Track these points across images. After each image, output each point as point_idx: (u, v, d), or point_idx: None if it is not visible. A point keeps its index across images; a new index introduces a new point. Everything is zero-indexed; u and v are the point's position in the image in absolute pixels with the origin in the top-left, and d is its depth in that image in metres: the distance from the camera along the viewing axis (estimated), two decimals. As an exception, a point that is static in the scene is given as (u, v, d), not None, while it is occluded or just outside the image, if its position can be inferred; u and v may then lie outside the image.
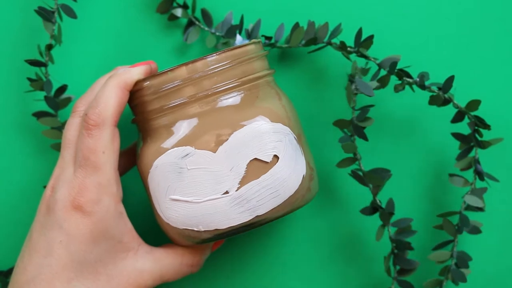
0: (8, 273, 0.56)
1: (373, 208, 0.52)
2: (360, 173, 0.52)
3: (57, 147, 0.55)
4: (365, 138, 0.51)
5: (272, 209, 0.46)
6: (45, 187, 0.54)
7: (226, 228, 0.46)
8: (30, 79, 0.54)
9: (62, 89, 0.55)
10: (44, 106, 0.55)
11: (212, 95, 0.46)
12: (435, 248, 0.53)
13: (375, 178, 0.51)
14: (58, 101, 0.54)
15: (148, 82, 0.47)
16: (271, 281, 0.56)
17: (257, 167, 0.46)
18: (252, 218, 0.46)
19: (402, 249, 0.52)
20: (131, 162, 0.53)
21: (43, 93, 0.55)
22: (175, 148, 0.46)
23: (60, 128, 0.55)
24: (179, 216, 0.47)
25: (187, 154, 0.46)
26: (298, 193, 0.47)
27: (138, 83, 0.47)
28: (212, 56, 0.46)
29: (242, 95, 0.47)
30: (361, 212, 0.52)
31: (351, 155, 0.52)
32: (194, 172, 0.46)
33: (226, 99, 0.46)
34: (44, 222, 0.47)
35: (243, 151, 0.45)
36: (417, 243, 0.55)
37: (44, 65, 0.54)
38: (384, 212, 0.52)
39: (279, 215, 0.47)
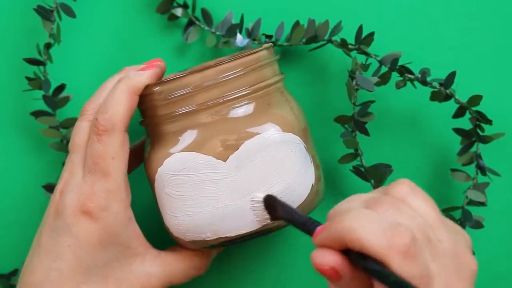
0: (10, 275, 0.55)
1: None
2: (362, 169, 0.52)
3: (56, 146, 0.54)
4: (366, 133, 0.51)
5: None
6: (43, 187, 0.55)
7: (235, 236, 0.46)
8: (28, 78, 0.54)
9: (61, 88, 0.54)
10: (42, 105, 0.54)
11: (223, 103, 0.45)
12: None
13: (376, 174, 0.52)
14: (57, 100, 0.54)
15: (158, 88, 0.46)
16: (270, 272, 0.56)
17: (266, 176, 0.45)
18: (261, 227, 0.46)
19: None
20: (138, 161, 0.52)
21: (42, 92, 0.54)
22: (183, 155, 0.46)
23: (58, 127, 0.54)
24: (186, 225, 0.47)
25: (196, 162, 0.45)
26: (307, 201, 0.47)
27: (147, 87, 0.47)
28: (224, 64, 0.46)
29: (254, 103, 0.46)
30: None
31: (352, 150, 0.53)
32: (203, 180, 0.45)
33: (238, 107, 0.46)
34: (53, 225, 0.47)
35: (254, 161, 0.45)
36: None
37: (42, 64, 0.53)
38: None
39: (285, 225, 0.47)
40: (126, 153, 0.47)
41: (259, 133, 0.45)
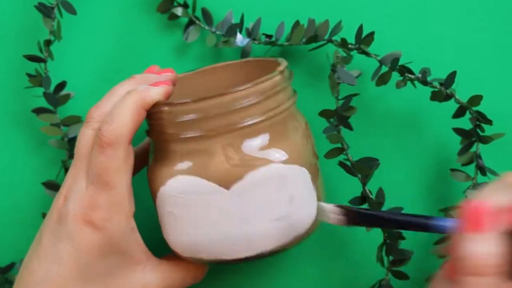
0: (5, 270, 0.56)
1: (362, 198, 0.53)
2: (348, 163, 0.52)
3: (56, 144, 0.54)
4: (349, 127, 0.51)
5: (279, 245, 0.46)
6: (43, 184, 0.55)
7: (231, 259, 0.46)
8: (29, 75, 0.54)
9: (61, 85, 0.54)
10: (43, 103, 0.55)
11: (234, 130, 0.45)
12: (436, 243, 0.53)
13: (362, 168, 0.52)
14: (57, 97, 0.54)
15: (167, 108, 0.46)
16: (261, 268, 0.57)
17: (269, 207, 0.45)
18: (258, 253, 0.46)
19: (393, 239, 0.52)
20: (142, 164, 0.52)
21: (43, 89, 0.54)
22: (187, 178, 0.45)
23: (59, 124, 0.54)
24: (184, 244, 0.47)
25: (199, 187, 0.45)
26: (306, 231, 0.47)
27: (157, 105, 0.46)
28: (238, 92, 0.45)
29: (263, 132, 0.46)
30: (350, 203, 0.52)
31: (339, 145, 0.52)
32: (205, 205, 0.45)
33: (247, 135, 0.45)
34: (55, 230, 0.46)
35: (256, 192, 0.45)
36: (419, 236, 0.55)
37: (43, 61, 0.53)
38: (373, 202, 0.52)
39: (285, 249, 0.47)
40: (130, 166, 0.46)
41: (265, 164, 0.45)
